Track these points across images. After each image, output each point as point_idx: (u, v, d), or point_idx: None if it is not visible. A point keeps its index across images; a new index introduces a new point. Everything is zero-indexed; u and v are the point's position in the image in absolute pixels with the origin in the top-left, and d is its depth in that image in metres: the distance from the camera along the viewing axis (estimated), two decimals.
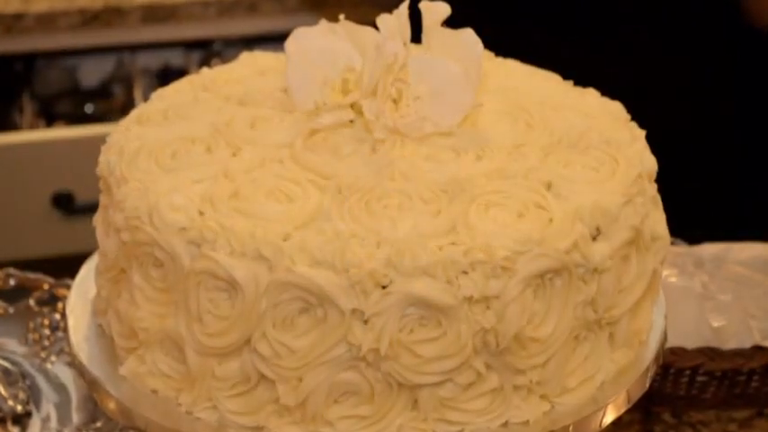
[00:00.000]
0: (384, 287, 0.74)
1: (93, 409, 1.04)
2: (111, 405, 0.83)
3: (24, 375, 1.09)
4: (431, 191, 0.79)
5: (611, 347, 0.84)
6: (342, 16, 0.88)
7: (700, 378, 1.08)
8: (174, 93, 0.94)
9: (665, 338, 0.90)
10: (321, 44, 0.87)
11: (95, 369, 0.85)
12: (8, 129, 1.93)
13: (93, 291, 0.90)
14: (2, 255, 1.80)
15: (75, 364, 0.88)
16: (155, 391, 0.81)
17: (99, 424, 1.03)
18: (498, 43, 0.98)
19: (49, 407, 1.06)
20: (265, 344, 0.76)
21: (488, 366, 0.78)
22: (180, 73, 1.86)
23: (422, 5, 0.87)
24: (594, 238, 0.79)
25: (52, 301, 1.16)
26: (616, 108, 0.93)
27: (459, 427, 0.79)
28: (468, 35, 0.86)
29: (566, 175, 0.82)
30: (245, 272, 0.74)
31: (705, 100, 1.43)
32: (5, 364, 1.10)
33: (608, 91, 0.95)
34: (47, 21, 1.95)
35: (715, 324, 1.12)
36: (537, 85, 0.96)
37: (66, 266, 1.04)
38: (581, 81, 0.97)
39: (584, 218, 0.79)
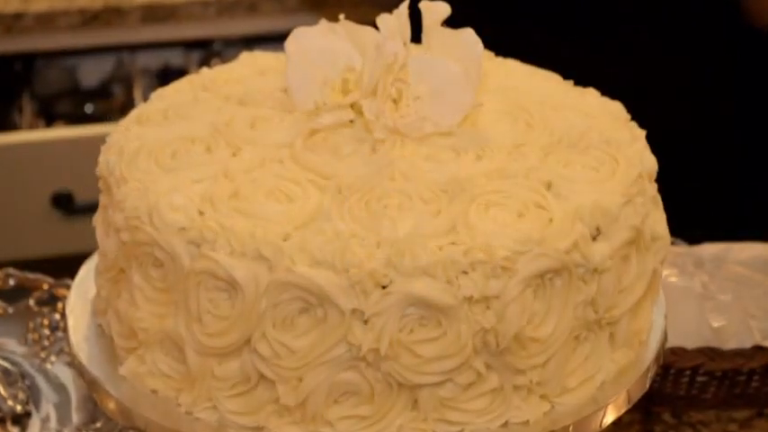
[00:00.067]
0: (384, 287, 0.74)
1: (93, 409, 1.04)
2: (111, 405, 0.83)
3: (24, 375, 1.09)
4: (431, 191, 0.79)
5: (612, 347, 0.84)
6: (342, 16, 0.88)
7: (700, 378, 1.08)
8: (174, 93, 0.94)
9: (665, 338, 0.90)
10: (321, 44, 0.87)
11: (95, 369, 0.85)
12: (8, 129, 1.93)
13: (92, 291, 0.90)
14: (1, 255, 1.80)
15: (74, 364, 0.88)
16: (154, 392, 0.81)
17: (99, 424, 1.03)
18: (498, 43, 0.98)
19: (48, 407, 1.06)
20: (265, 344, 0.76)
21: (488, 366, 0.77)
22: (180, 73, 1.85)
23: (422, 5, 0.87)
24: (594, 238, 0.79)
25: (52, 301, 1.16)
26: (616, 108, 0.93)
27: (459, 427, 0.79)
28: (468, 35, 0.86)
29: (566, 175, 0.82)
30: (245, 272, 0.74)
31: (705, 100, 1.43)
32: (5, 364, 1.10)
33: (608, 91, 0.95)
34: (46, 20, 1.95)
35: (715, 324, 1.12)
36: (537, 85, 0.96)
37: (66, 266, 1.04)
38: (581, 81, 0.97)
39: (585, 218, 0.79)
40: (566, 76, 0.98)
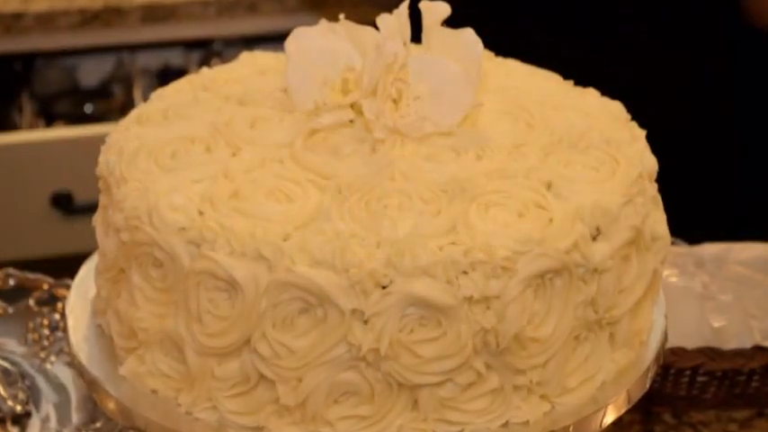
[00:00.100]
0: (384, 287, 0.74)
1: (93, 409, 1.04)
2: (111, 405, 0.83)
3: (24, 375, 1.09)
4: (431, 191, 0.79)
5: (612, 348, 0.84)
6: (342, 16, 0.88)
7: (700, 378, 1.08)
8: (174, 92, 0.94)
9: (665, 338, 0.90)
10: (321, 44, 0.87)
11: (95, 369, 0.85)
12: (7, 129, 1.93)
13: (92, 291, 0.90)
14: (1, 255, 1.80)
15: (74, 364, 0.88)
16: (154, 392, 0.81)
17: (99, 424, 1.03)
18: (498, 43, 0.98)
19: (48, 407, 1.06)
20: (265, 344, 0.76)
21: (488, 366, 0.77)
22: (180, 73, 1.85)
23: (422, 5, 0.87)
24: (595, 238, 0.79)
25: (52, 301, 1.16)
26: (616, 108, 0.93)
27: (459, 427, 0.78)
28: (468, 35, 0.86)
29: (566, 175, 0.82)
30: (245, 272, 0.74)
31: (705, 100, 1.43)
32: (5, 364, 1.10)
33: (608, 91, 0.95)
34: (46, 20, 1.95)
35: (715, 324, 1.12)
36: (537, 85, 0.96)
37: (66, 266, 1.04)
38: (581, 81, 0.97)
39: (585, 218, 0.79)
40: (566, 76, 0.98)
